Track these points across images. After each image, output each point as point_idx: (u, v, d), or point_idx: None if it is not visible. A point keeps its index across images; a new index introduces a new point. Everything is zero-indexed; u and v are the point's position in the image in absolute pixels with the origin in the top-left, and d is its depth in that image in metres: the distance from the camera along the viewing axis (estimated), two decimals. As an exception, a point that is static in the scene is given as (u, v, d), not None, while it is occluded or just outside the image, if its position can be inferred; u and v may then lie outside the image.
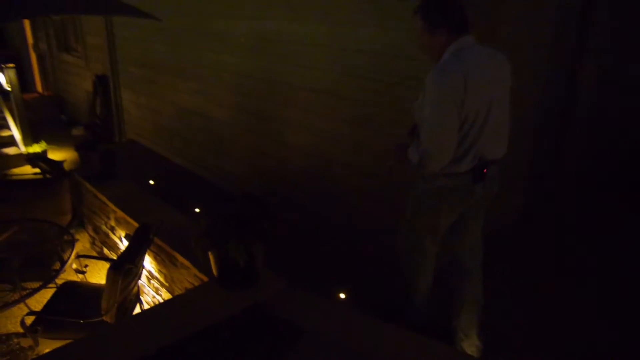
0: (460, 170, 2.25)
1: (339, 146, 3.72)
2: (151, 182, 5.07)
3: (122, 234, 3.72)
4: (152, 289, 3.50)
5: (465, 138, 2.20)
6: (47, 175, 4.15)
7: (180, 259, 2.95)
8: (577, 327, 2.93)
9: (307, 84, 3.84)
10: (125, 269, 2.52)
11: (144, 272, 3.45)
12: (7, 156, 6.71)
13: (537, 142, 4.20)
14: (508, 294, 3.23)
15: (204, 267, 2.65)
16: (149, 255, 3.31)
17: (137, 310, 3.08)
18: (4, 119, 7.02)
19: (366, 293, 3.18)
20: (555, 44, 3.88)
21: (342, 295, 3.02)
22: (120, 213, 3.66)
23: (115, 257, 3.38)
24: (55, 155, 6.82)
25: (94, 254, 4.31)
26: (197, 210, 4.09)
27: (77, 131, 8.02)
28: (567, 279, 3.44)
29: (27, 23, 9.66)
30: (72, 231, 3.45)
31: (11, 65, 6.75)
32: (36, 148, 6.83)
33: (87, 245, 4.49)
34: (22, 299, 2.58)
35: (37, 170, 4.26)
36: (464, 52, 2.16)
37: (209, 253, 2.47)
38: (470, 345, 2.63)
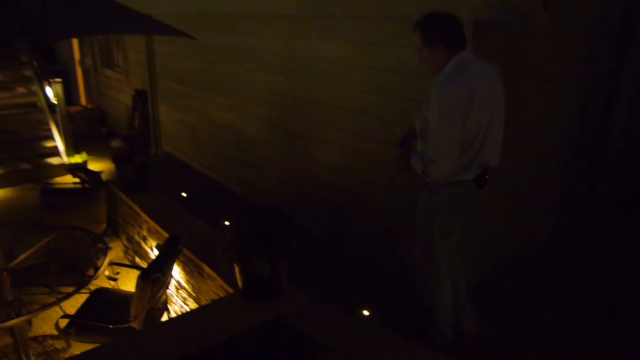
0: (468, 178, 2.42)
1: (367, 163, 3.75)
2: (183, 194, 5.21)
3: (154, 244, 3.83)
4: (180, 298, 3.58)
5: (470, 147, 2.36)
6: (86, 185, 4.33)
7: (208, 270, 3.03)
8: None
9: (336, 101, 3.90)
10: (153, 277, 2.60)
11: (173, 282, 3.54)
12: (51, 166, 7.02)
13: (574, 163, 4.14)
14: (548, 317, 3.18)
15: (230, 279, 2.71)
16: (178, 265, 3.41)
17: (165, 318, 3.16)
18: (50, 130, 7.38)
19: (390, 310, 3.17)
20: (591, 64, 3.84)
21: (365, 312, 3.02)
22: (152, 223, 3.78)
23: (145, 266, 3.48)
24: (94, 166, 7.10)
25: (127, 262, 4.45)
26: (226, 223, 4.18)
27: (115, 143, 8.32)
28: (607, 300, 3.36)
29: (75, 40, 10.15)
30: (106, 239, 3.58)
31: (58, 80, 7.10)
32: (77, 159, 7.12)
33: (120, 253, 4.64)
34: (57, 302, 2.70)
35: (77, 180, 4.45)
36: (466, 66, 2.30)
37: (235, 265, 2.53)
38: (474, 320, 2.87)
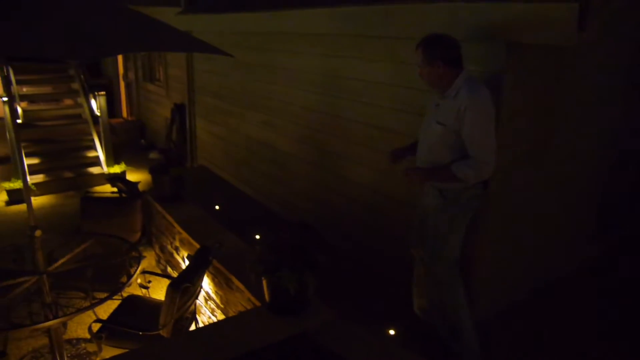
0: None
1: (396, 182, 3.74)
2: (216, 207, 5.31)
3: (185, 254, 3.91)
4: (208, 309, 3.64)
5: None
6: (123, 195, 4.48)
7: (236, 282, 3.07)
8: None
9: (369, 120, 3.92)
10: (183, 287, 2.66)
11: (202, 293, 3.60)
12: (91, 175, 7.30)
13: (614, 184, 4.02)
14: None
15: (257, 292, 2.75)
16: (207, 277, 3.47)
17: (193, 328, 3.21)
18: (92, 141, 7.69)
19: (419, 331, 3.13)
20: (629, 83, 3.75)
21: (391, 332, 2.99)
22: (184, 234, 3.87)
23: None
24: (132, 176, 7.33)
25: (159, 271, 4.55)
26: (257, 236, 4.23)
27: (153, 155, 8.58)
28: None
29: (119, 56, 10.59)
30: (140, 248, 3.69)
31: (102, 93, 7.42)
32: (116, 169, 7.38)
33: (153, 262, 4.75)
34: (91, 306, 2.79)
35: (115, 189, 4.61)
36: (475, 80, 2.55)
37: (263, 279, 2.56)
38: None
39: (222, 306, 3.39)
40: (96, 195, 4.48)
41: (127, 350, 2.45)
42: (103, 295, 2.85)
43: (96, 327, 2.86)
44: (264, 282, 2.56)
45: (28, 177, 6.53)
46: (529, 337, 3.20)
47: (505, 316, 3.35)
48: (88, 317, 3.42)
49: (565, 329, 3.29)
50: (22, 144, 6.58)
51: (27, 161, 6.90)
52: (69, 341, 3.49)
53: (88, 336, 2.89)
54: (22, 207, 6.14)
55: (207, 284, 3.53)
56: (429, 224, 2.78)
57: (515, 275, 3.48)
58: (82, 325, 3.63)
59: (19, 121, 7.22)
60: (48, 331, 2.95)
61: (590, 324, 3.38)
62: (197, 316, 3.46)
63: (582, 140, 3.64)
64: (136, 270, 3.06)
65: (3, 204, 6.35)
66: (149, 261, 4.71)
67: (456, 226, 2.69)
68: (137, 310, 3.17)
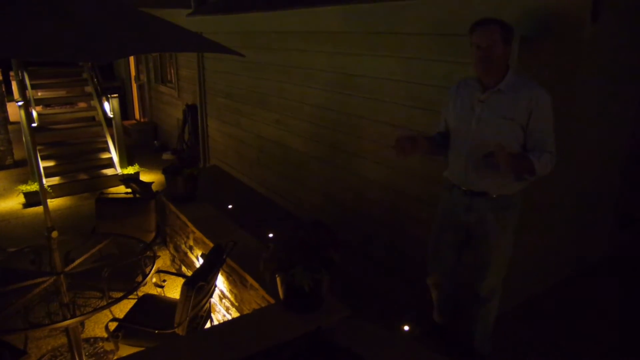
0: None
1: (412, 179, 3.73)
2: (229, 206, 5.34)
3: (199, 253, 3.94)
4: (223, 307, 3.66)
5: None
6: (137, 196, 4.51)
7: (250, 280, 3.08)
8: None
9: (382, 117, 3.91)
10: (197, 285, 2.68)
11: (217, 291, 3.62)
12: (106, 176, 7.38)
13: (629, 176, 3.96)
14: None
15: (272, 290, 2.75)
16: (222, 275, 3.48)
17: (208, 326, 3.23)
18: (106, 143, 7.77)
19: (434, 327, 3.12)
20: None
21: (406, 328, 2.98)
22: (198, 234, 3.89)
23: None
24: (145, 177, 7.40)
25: (173, 270, 4.58)
26: (270, 235, 4.25)
27: (166, 156, 8.64)
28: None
29: (131, 58, 10.70)
30: (154, 248, 3.72)
31: (115, 95, 7.50)
32: (130, 170, 7.45)
33: (168, 262, 4.79)
34: (107, 305, 2.82)
35: (129, 190, 4.65)
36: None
37: (277, 277, 2.57)
38: None
39: (236, 304, 3.40)
40: (111, 196, 4.52)
41: (143, 349, 2.47)
42: (119, 294, 2.88)
43: (113, 326, 2.88)
44: (278, 280, 2.57)
45: (44, 180, 6.63)
46: (547, 330, 3.17)
47: (522, 311, 3.33)
48: (105, 317, 3.47)
49: (583, 323, 3.26)
50: (38, 147, 6.68)
51: (42, 164, 7.00)
52: (87, 340, 3.54)
53: (105, 335, 2.92)
54: (39, 209, 6.24)
55: (221, 282, 3.55)
56: (480, 244, 2.59)
57: (533, 269, 3.45)
58: (99, 325, 3.68)
59: (34, 125, 7.32)
60: (66, 330, 2.99)
61: (610, 316, 3.34)
62: (212, 314, 3.48)
63: (598, 132, 3.59)
64: (151, 269, 3.08)
65: (20, 206, 6.45)
66: (163, 260, 4.75)
67: (512, 237, 2.56)
68: (153, 309, 3.19)
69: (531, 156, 2.32)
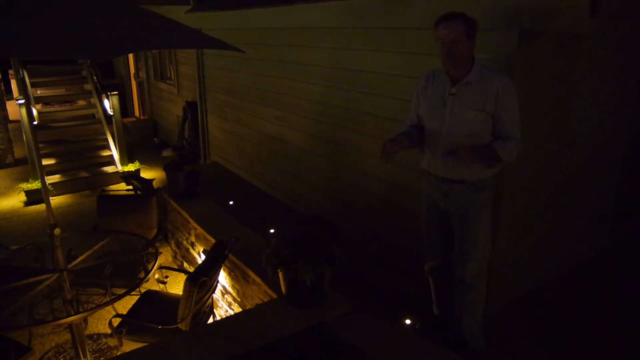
0: None
1: (412, 174, 3.73)
2: (230, 202, 5.35)
3: (201, 249, 3.96)
4: (225, 303, 3.68)
5: None
6: (139, 192, 4.52)
7: (253, 275, 3.10)
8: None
9: (382, 112, 3.91)
10: (200, 281, 2.69)
11: (219, 287, 3.64)
12: (106, 174, 7.39)
13: (627, 172, 3.97)
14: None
15: (274, 285, 2.77)
16: (224, 270, 3.50)
17: (211, 322, 3.25)
18: (106, 140, 7.78)
19: (434, 320, 3.13)
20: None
21: (407, 321, 2.99)
22: (200, 230, 3.91)
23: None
24: (146, 174, 7.41)
25: (175, 266, 4.60)
26: (271, 230, 4.26)
27: (167, 153, 8.65)
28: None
29: (130, 55, 10.69)
30: (156, 244, 3.73)
31: (115, 93, 7.50)
32: (131, 167, 7.46)
33: (170, 258, 4.81)
34: (110, 302, 2.84)
35: (130, 187, 4.66)
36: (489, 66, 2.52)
37: (279, 271, 2.58)
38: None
39: (238, 299, 3.42)
40: (112, 193, 4.53)
41: (146, 344, 2.49)
42: (122, 291, 2.90)
43: (116, 322, 2.90)
44: (280, 275, 2.58)
45: (45, 178, 6.64)
46: (542, 326, 3.18)
47: (519, 306, 3.35)
48: (108, 313, 3.49)
49: (579, 318, 3.27)
50: (39, 145, 6.68)
51: (44, 162, 7.01)
52: (90, 336, 3.56)
53: (109, 331, 2.94)
54: (41, 207, 6.25)
55: (223, 278, 3.56)
56: (461, 227, 2.66)
57: (529, 265, 3.46)
58: (102, 321, 3.70)
59: (34, 123, 7.33)
60: (70, 327, 3.01)
61: (607, 311, 3.36)
62: (215, 310, 3.50)
63: (597, 127, 3.60)
64: (153, 265, 3.10)
65: (21, 204, 6.47)
66: (165, 257, 4.77)
67: (489, 218, 2.64)
68: (156, 304, 3.21)
69: (495, 145, 2.44)
